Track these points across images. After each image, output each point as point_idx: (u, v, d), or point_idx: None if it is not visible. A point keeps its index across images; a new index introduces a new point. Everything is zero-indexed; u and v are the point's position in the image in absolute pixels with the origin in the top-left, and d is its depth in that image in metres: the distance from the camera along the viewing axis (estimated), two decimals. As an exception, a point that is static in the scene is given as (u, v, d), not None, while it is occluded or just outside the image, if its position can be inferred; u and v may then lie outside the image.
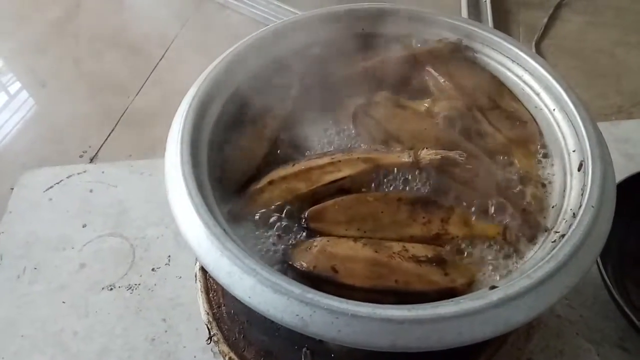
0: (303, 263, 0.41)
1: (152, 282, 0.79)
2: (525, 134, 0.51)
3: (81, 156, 1.07)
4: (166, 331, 0.74)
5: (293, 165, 0.48)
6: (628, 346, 0.70)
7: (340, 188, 0.46)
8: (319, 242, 0.42)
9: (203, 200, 0.40)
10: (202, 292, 0.58)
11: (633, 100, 1.12)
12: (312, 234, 0.44)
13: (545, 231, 0.44)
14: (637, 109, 1.10)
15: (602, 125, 0.99)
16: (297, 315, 0.35)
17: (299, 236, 0.44)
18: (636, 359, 0.69)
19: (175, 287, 0.78)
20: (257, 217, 0.45)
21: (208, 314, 0.56)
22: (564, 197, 0.45)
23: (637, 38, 1.27)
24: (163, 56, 1.32)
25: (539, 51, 1.25)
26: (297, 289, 0.35)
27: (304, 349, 0.51)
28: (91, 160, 1.07)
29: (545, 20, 1.33)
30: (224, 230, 0.39)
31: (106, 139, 1.11)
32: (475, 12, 1.31)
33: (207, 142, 0.47)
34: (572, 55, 1.25)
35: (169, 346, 0.72)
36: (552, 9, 1.36)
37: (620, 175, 0.75)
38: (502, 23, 1.33)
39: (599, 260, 0.68)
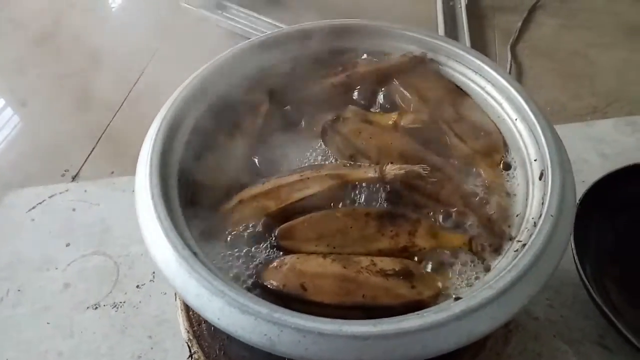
0: (273, 282, 0.42)
1: (137, 300, 0.80)
2: (490, 144, 0.53)
3: (63, 175, 1.07)
4: (152, 348, 0.74)
5: (263, 183, 0.49)
6: (608, 344, 0.71)
7: (309, 205, 0.47)
8: (289, 259, 0.43)
9: (172, 223, 0.41)
10: (182, 310, 0.58)
11: (607, 101, 1.14)
12: (283, 251, 0.45)
13: (510, 240, 0.45)
14: (612, 109, 1.12)
15: (577, 126, 1.03)
16: (265, 335, 0.36)
17: (269, 254, 0.45)
18: (617, 356, 0.70)
19: (160, 304, 0.79)
20: (228, 236, 0.46)
21: (188, 331, 0.57)
22: (526, 205, 0.47)
23: (610, 39, 1.30)
24: (143, 72, 1.33)
25: (514, 54, 1.27)
26: (264, 309, 0.36)
27: (284, 363, 0.52)
28: (73, 179, 1.07)
29: (520, 23, 1.35)
30: (193, 252, 0.40)
31: (88, 156, 1.12)
32: (450, 17, 1.33)
33: (178, 162, 0.48)
34: (547, 58, 1.27)
35: (155, 363, 0.73)
36: (526, 12, 1.39)
37: (596, 174, 0.77)
38: (478, 28, 1.35)
39: (577, 260, 0.69)
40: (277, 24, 1.36)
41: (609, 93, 1.16)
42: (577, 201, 0.73)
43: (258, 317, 0.36)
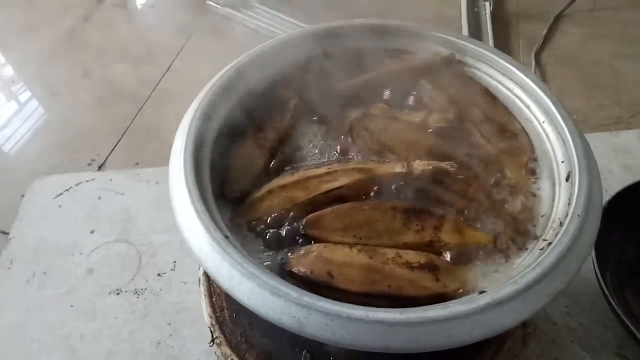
0: (301, 268, 0.43)
1: (158, 287, 0.82)
2: (516, 145, 0.53)
3: (89, 164, 1.10)
4: (171, 335, 0.76)
5: (292, 174, 0.50)
6: (627, 354, 0.71)
7: (337, 197, 0.48)
8: (316, 248, 0.44)
9: (205, 207, 0.43)
10: (205, 296, 0.59)
11: (632, 111, 1.14)
12: (310, 240, 0.46)
13: (535, 239, 0.46)
14: (636, 120, 1.12)
15: (601, 136, 1.03)
16: (294, 317, 0.37)
17: (297, 242, 0.46)
18: (634, 366, 0.70)
19: (181, 292, 0.80)
20: (257, 224, 0.47)
21: (211, 317, 0.58)
22: (552, 206, 0.47)
23: (635, 50, 1.29)
24: (170, 67, 1.35)
25: (538, 62, 1.27)
26: (293, 292, 0.37)
27: (304, 352, 0.53)
28: (99, 168, 1.10)
29: (545, 31, 1.35)
30: (225, 236, 0.41)
31: (114, 147, 1.14)
32: (475, 24, 1.34)
33: (210, 153, 0.50)
34: (571, 66, 1.27)
35: (174, 350, 0.74)
36: (551, 20, 1.38)
37: (619, 185, 0.77)
38: (502, 35, 1.35)
39: (597, 269, 0.69)
40: (300, 24, 1.37)
41: (634, 103, 1.15)
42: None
43: (288, 300, 0.37)
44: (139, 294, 0.81)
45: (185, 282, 0.81)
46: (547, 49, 1.32)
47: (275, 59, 0.59)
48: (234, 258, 0.39)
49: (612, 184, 0.86)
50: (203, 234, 0.41)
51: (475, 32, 1.32)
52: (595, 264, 0.70)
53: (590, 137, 0.99)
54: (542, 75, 1.25)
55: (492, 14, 1.36)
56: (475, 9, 1.40)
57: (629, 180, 0.77)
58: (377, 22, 0.62)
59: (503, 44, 1.32)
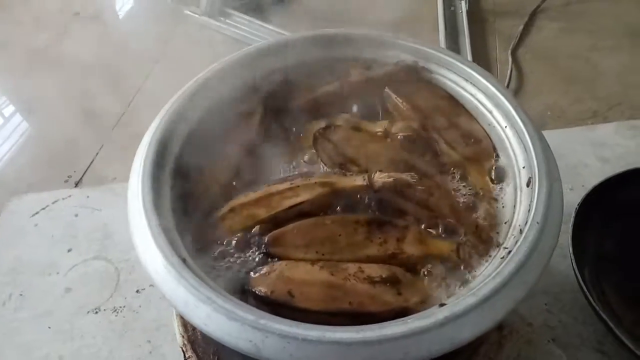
0: (261, 288, 0.42)
1: (137, 304, 0.81)
2: (480, 151, 0.53)
3: (66, 181, 1.09)
4: (151, 352, 0.75)
5: (254, 191, 0.49)
6: (606, 349, 0.71)
7: (299, 212, 0.48)
8: (277, 266, 0.44)
9: (162, 230, 0.42)
10: (176, 315, 0.59)
11: (608, 105, 1.14)
12: (273, 258, 0.46)
13: (497, 247, 0.46)
14: (613, 113, 1.12)
15: (578, 130, 1.03)
16: (251, 341, 0.36)
17: (259, 261, 0.46)
18: (615, 362, 0.70)
19: (160, 309, 0.80)
20: (219, 243, 0.47)
21: (183, 336, 0.57)
22: (514, 213, 0.47)
23: (611, 43, 1.30)
24: (147, 77, 1.34)
25: (515, 59, 1.27)
26: (250, 315, 0.37)
27: (277, 368, 0.53)
28: (76, 185, 1.09)
29: (521, 27, 1.35)
30: (182, 259, 0.41)
31: (90, 163, 1.13)
32: (451, 22, 1.34)
33: (170, 172, 0.49)
34: (547, 62, 1.27)
35: (154, 367, 0.74)
36: (527, 16, 1.39)
37: (596, 179, 0.76)
38: (479, 33, 1.35)
39: (575, 265, 0.69)
40: (279, 30, 1.37)
41: (610, 97, 1.15)
42: (577, 205, 0.73)
43: (244, 324, 0.37)
44: (117, 312, 0.80)
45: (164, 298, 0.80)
46: (524, 45, 1.32)
47: (238, 71, 0.59)
48: (189, 282, 0.39)
49: (590, 178, 0.86)
50: (159, 258, 0.40)
51: (452, 30, 1.32)
52: (573, 260, 0.69)
53: (567, 132, 1.02)
54: (519, 72, 1.25)
55: (468, 12, 1.37)
56: (452, 8, 1.40)
57: (606, 173, 0.77)
58: (340, 32, 0.61)
59: (480, 42, 1.32)
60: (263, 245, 0.46)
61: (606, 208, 0.76)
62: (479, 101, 0.55)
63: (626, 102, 1.14)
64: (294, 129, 0.57)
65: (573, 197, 0.75)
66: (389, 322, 0.37)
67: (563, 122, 1.10)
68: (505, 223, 0.47)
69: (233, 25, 1.44)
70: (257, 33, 1.39)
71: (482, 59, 1.25)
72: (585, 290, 0.67)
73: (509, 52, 1.29)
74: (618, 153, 0.97)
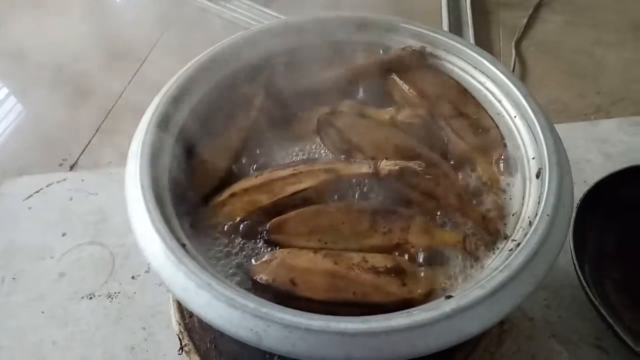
0: (262, 276, 0.41)
1: (132, 290, 0.80)
2: (488, 141, 0.52)
3: (61, 164, 1.07)
4: (146, 339, 0.74)
5: (256, 177, 0.48)
6: (605, 346, 0.71)
7: (302, 199, 0.46)
8: (279, 254, 0.43)
9: (161, 214, 0.41)
10: (173, 301, 0.58)
11: (612, 100, 1.13)
12: (274, 245, 0.45)
13: (505, 239, 0.45)
14: (616, 108, 1.11)
15: (581, 125, 1.02)
16: (252, 329, 0.35)
17: (260, 248, 0.45)
18: (613, 358, 0.69)
19: (155, 295, 0.79)
20: (219, 229, 0.46)
21: (179, 324, 0.56)
22: (523, 204, 0.46)
23: (616, 38, 1.28)
24: (145, 60, 1.32)
25: (518, 52, 1.26)
26: (251, 303, 0.36)
27: (275, 358, 0.52)
28: (71, 168, 1.06)
29: (525, 20, 1.34)
30: (182, 244, 0.40)
31: (86, 146, 1.11)
32: (455, 14, 1.32)
33: (170, 155, 0.48)
34: (551, 55, 1.26)
35: (149, 354, 0.72)
36: (531, 9, 1.37)
37: (598, 174, 0.76)
38: (482, 24, 1.33)
39: (575, 261, 0.69)
40: (278, 15, 1.35)
41: (614, 92, 1.14)
42: (578, 201, 0.73)
43: (245, 312, 0.35)
44: (112, 298, 0.79)
45: (160, 284, 0.79)
46: (528, 38, 1.30)
47: (240, 54, 0.57)
48: (189, 268, 0.37)
49: (592, 174, 0.85)
50: (158, 242, 0.39)
51: (455, 21, 1.30)
52: (574, 256, 0.69)
53: (570, 126, 1.01)
54: (522, 65, 1.23)
55: (472, 3, 1.35)
56: (456, -1, 1.38)
57: (609, 169, 0.76)
58: (349, 15, 0.60)
59: (483, 34, 1.31)
60: (264, 232, 0.45)
61: (608, 204, 0.76)
62: (488, 89, 0.54)
63: (629, 97, 1.13)
64: (296, 114, 0.55)
65: (575, 193, 0.74)
66: (395, 313, 0.36)
67: (566, 117, 1.09)
68: (514, 215, 0.46)
69: (232, 9, 1.42)
70: (257, 18, 1.37)
71: (486, 51, 1.24)
72: (585, 286, 0.67)
73: (513, 44, 1.27)
74: (621, 149, 0.96)
